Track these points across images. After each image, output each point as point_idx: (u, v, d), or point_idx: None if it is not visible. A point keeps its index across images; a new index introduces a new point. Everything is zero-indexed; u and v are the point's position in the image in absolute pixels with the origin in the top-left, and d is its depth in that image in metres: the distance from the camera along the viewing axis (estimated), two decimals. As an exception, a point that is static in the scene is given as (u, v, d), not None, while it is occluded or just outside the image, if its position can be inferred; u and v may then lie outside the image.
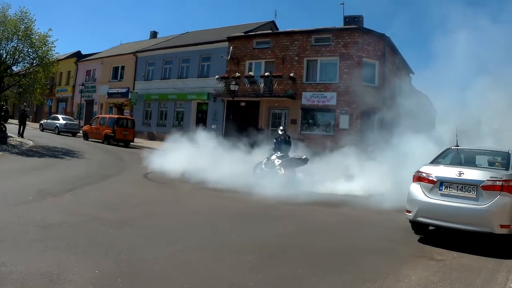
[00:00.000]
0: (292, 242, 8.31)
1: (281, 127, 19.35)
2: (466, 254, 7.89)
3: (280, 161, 17.02)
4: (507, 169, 8.81)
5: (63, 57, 59.36)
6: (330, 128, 31.84)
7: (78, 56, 58.09)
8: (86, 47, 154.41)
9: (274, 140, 18.28)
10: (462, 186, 8.46)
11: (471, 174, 8.51)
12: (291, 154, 17.69)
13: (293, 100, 33.02)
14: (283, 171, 16.69)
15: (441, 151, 10.56)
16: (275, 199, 12.64)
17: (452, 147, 10.57)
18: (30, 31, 26.40)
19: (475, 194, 8.29)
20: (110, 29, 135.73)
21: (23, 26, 26.10)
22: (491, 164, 10.17)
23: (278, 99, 33.38)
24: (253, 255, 7.09)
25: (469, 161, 10.34)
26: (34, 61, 27.21)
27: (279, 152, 17.37)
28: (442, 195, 8.65)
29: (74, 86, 53.91)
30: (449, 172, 8.82)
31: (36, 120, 56.10)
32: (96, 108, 50.75)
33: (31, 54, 26.92)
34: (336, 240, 8.84)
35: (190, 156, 18.60)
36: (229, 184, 14.44)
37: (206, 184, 14.94)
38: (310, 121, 32.99)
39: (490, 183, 8.21)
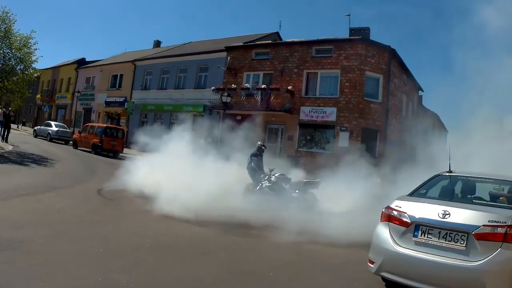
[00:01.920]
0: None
1: (259, 142, 16.62)
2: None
3: (287, 182, 14.73)
4: None
5: (65, 64, 58.41)
6: (329, 145, 29.27)
7: (82, 63, 56.57)
8: (93, 54, 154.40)
9: (254, 157, 15.74)
10: (446, 233, 5.87)
11: (460, 215, 5.89)
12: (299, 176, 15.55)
13: (290, 114, 30.62)
14: (296, 193, 14.34)
15: (427, 178, 7.83)
16: (235, 225, 10.91)
17: (443, 173, 7.86)
18: (10, 32, 25.08)
19: (464, 245, 5.69)
20: (119, 37, 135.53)
21: (3, 27, 24.85)
22: (494, 198, 7.40)
23: (275, 113, 30.99)
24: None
25: (465, 193, 7.70)
26: (13, 62, 25.84)
27: (278, 173, 15.03)
28: (417, 243, 6.06)
29: (73, 93, 52.00)
30: (429, 210, 6.18)
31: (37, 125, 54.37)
32: (94, 116, 49.12)
33: (8, 55, 25.60)
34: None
35: (169, 169, 16.10)
36: (192, 205, 12.03)
37: (161, 205, 12.59)
38: (308, 137, 30.49)
39: (487, 230, 5.59)
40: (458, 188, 7.92)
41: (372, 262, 6.50)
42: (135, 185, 15.29)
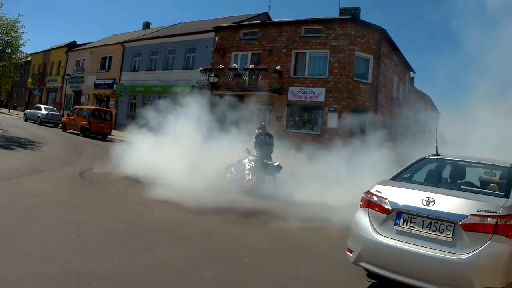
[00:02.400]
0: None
1: (259, 124, 16.05)
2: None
3: (250, 165, 14.33)
4: (506, 195, 5.59)
5: (55, 47, 57.50)
6: (317, 126, 28.76)
7: (72, 46, 55.64)
8: (85, 37, 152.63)
9: (254, 140, 15.34)
10: (430, 222, 5.29)
11: (446, 203, 5.30)
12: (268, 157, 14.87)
13: (279, 95, 30.00)
14: (250, 176, 14.05)
15: (413, 161, 7.22)
16: (218, 209, 10.37)
17: (430, 156, 7.22)
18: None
19: (450, 235, 5.13)
20: (110, 19, 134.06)
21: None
22: (484, 185, 6.75)
23: (263, 93, 30.12)
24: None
25: (453, 178, 7.14)
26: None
27: (253, 155, 14.66)
28: (399, 232, 5.49)
29: (64, 77, 50.94)
30: (412, 197, 5.59)
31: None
32: (83, 99, 48.46)
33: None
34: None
35: (154, 150, 15.70)
36: (177, 188, 11.64)
37: (144, 188, 12.42)
38: (296, 118, 29.92)
39: (476, 220, 5.03)
40: (446, 172, 7.42)
41: (351, 251, 5.95)
42: (120, 167, 14.89)
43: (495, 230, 4.91)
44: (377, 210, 5.79)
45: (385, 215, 5.67)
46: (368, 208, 5.93)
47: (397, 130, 31.17)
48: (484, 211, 5.04)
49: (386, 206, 5.70)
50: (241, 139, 15.90)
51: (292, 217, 10.09)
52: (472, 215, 5.04)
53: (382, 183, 6.24)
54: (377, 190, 5.98)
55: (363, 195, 6.16)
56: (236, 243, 8.21)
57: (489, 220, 4.96)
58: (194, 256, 6.93)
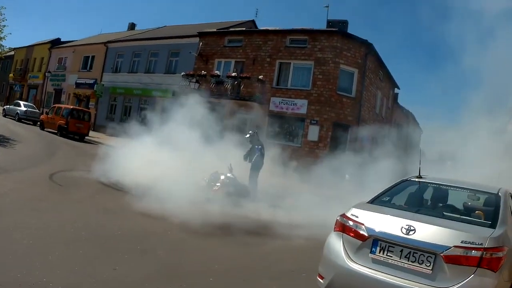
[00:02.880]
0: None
1: (252, 132, 15.40)
2: None
3: (225, 180, 13.82)
4: (492, 224, 5.09)
5: (39, 43, 56.57)
6: (298, 138, 28.17)
7: (56, 43, 54.46)
8: (71, 35, 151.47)
9: (250, 148, 14.93)
10: (409, 252, 4.79)
11: (427, 232, 4.82)
12: None
13: (260, 105, 29.31)
14: (219, 189, 13.44)
15: (393, 183, 6.67)
16: (188, 221, 9.62)
17: (411, 179, 6.73)
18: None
19: (431, 267, 4.60)
20: (97, 19, 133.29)
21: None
22: (468, 212, 6.22)
23: (245, 102, 29.62)
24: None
25: (436, 203, 6.63)
26: None
27: (231, 174, 14.11)
28: (375, 261, 4.96)
29: (45, 74, 49.93)
30: (390, 224, 5.09)
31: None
32: (64, 97, 47.43)
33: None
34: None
35: (131, 156, 15.29)
36: (148, 196, 11.09)
37: (115, 194, 12.26)
38: (277, 129, 29.21)
39: (459, 252, 4.55)
40: (428, 196, 6.90)
41: (322, 277, 5.39)
42: (93, 171, 14.49)
43: (479, 263, 4.47)
44: (352, 236, 5.28)
45: (361, 242, 5.16)
46: (343, 232, 5.41)
47: (378, 145, 30.72)
48: (469, 242, 4.58)
49: (362, 232, 5.19)
50: (220, 148, 15.51)
51: (265, 233, 9.74)
52: (455, 246, 4.58)
53: (359, 206, 5.69)
54: (353, 214, 5.46)
55: (338, 218, 5.65)
56: (202, 259, 7.59)
57: (473, 253, 4.51)
58: (154, 272, 6.41)
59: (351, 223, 5.33)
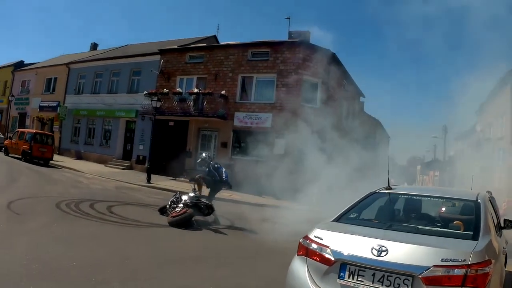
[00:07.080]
0: None
1: (203, 154, 14.91)
2: None
3: (186, 201, 13.12)
4: (474, 236, 4.56)
5: (1, 66, 54.56)
6: (264, 152, 26.84)
7: (19, 66, 52.48)
8: (34, 57, 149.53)
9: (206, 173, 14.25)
10: (383, 275, 4.22)
11: (401, 251, 4.26)
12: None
13: (224, 120, 28.21)
14: (180, 210, 12.66)
15: (361, 197, 5.85)
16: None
17: (380, 191, 5.92)
18: None
19: (409, 291, 3.79)
20: (60, 40, 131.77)
21: None
22: (446, 223, 5.37)
23: (208, 119, 28.45)
24: None
25: (409, 216, 5.79)
26: None
27: (195, 193, 13.65)
28: (344, 287, 4.41)
29: (9, 97, 48.31)
30: (360, 245, 4.50)
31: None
32: (28, 121, 45.53)
33: None
34: None
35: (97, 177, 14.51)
36: (109, 223, 11.14)
37: (73, 221, 11.49)
38: (242, 144, 28.11)
39: (440, 271, 4.00)
40: (399, 209, 6.12)
41: None
42: (53, 196, 14.18)
43: (464, 282, 3.95)
44: (317, 260, 4.67)
45: (327, 266, 4.57)
46: (306, 256, 4.80)
47: (346, 156, 29.77)
48: (450, 260, 4.06)
49: (327, 256, 4.61)
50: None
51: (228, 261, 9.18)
52: (435, 266, 4.04)
53: (323, 226, 5.08)
54: (317, 235, 4.85)
55: (300, 241, 5.05)
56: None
57: (456, 271, 4.01)
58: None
59: (315, 246, 4.75)
